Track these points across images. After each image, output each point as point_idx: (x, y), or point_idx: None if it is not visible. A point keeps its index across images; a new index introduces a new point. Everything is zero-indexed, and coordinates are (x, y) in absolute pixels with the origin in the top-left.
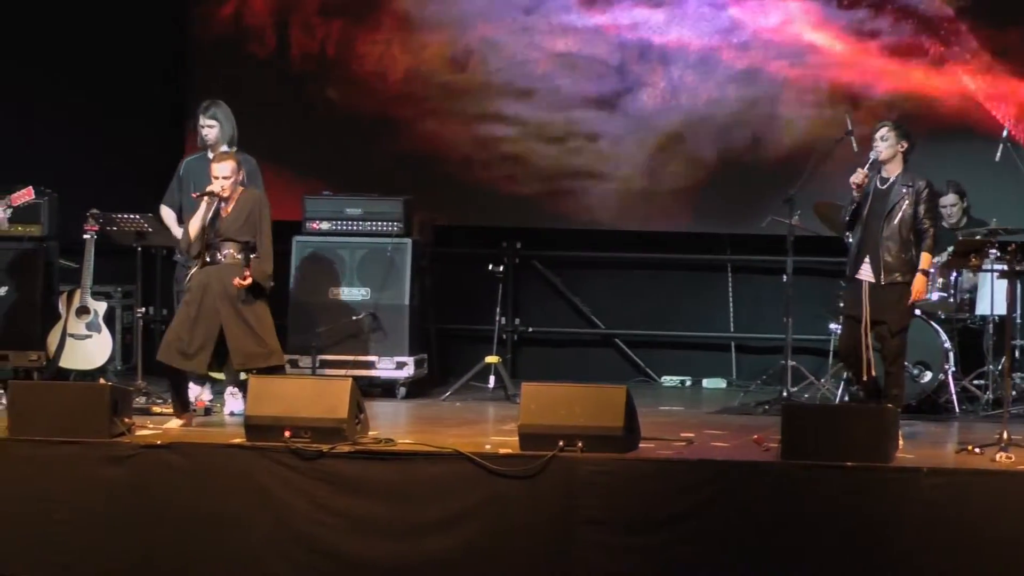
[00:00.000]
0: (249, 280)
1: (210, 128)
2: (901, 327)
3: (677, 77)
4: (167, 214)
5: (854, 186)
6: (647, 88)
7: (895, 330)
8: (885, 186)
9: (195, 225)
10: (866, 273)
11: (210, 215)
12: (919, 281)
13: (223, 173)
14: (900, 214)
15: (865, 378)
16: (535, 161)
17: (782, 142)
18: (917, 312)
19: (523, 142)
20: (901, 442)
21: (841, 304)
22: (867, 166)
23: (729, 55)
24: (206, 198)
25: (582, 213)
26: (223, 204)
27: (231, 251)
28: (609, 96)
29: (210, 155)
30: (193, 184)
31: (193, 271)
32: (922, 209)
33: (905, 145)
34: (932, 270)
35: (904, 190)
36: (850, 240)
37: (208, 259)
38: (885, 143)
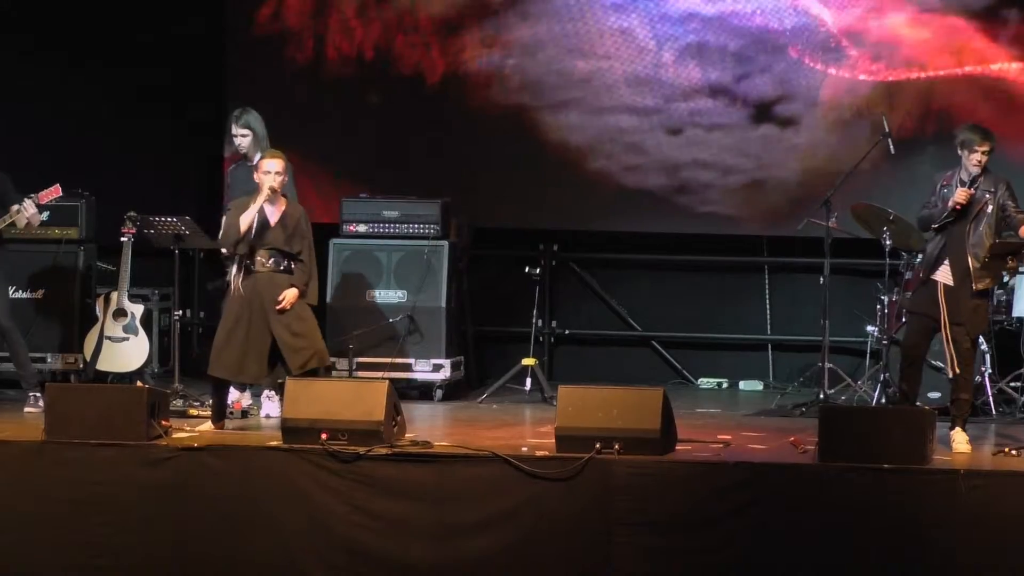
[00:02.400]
0: (292, 302)
1: (243, 137)
2: (979, 332)
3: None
4: None
5: (957, 206)
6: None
7: (973, 334)
8: None
9: (247, 219)
10: (943, 275)
11: (258, 216)
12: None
13: (275, 168)
14: (985, 219)
15: (951, 374)
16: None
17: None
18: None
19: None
20: (968, 446)
21: (909, 302)
22: (969, 184)
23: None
24: (263, 192)
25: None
26: (270, 210)
27: (275, 260)
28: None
29: (248, 163)
30: (238, 191)
31: (234, 278)
32: (1008, 204)
33: None
34: None
35: (987, 195)
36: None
37: (252, 266)
38: (987, 158)
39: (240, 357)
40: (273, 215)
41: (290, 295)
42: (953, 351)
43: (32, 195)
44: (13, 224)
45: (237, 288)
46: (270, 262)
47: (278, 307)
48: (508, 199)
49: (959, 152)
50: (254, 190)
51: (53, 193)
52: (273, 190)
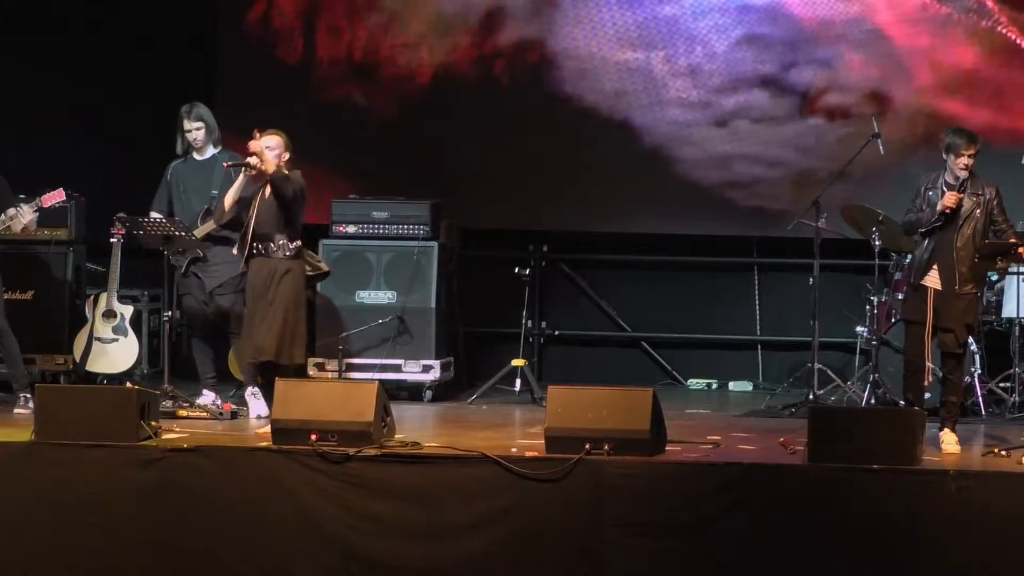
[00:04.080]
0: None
1: (197, 130)
2: (968, 337)
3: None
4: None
5: (947, 210)
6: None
7: (963, 339)
8: None
9: (231, 195)
10: (933, 280)
11: (245, 186)
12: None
13: (272, 143)
14: (973, 224)
15: (925, 384)
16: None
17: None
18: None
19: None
20: (957, 447)
21: (904, 311)
22: (959, 188)
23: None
24: (243, 170)
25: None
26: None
27: (272, 246)
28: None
29: (196, 157)
30: (183, 188)
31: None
32: (996, 214)
33: None
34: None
35: (975, 199)
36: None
37: (253, 251)
38: (972, 161)
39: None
40: (268, 191)
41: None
42: (943, 355)
43: (34, 199)
44: (8, 228)
45: (248, 272)
46: (263, 247)
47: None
48: (498, 200)
49: (944, 156)
50: (200, 186)
51: (56, 197)
52: (248, 164)
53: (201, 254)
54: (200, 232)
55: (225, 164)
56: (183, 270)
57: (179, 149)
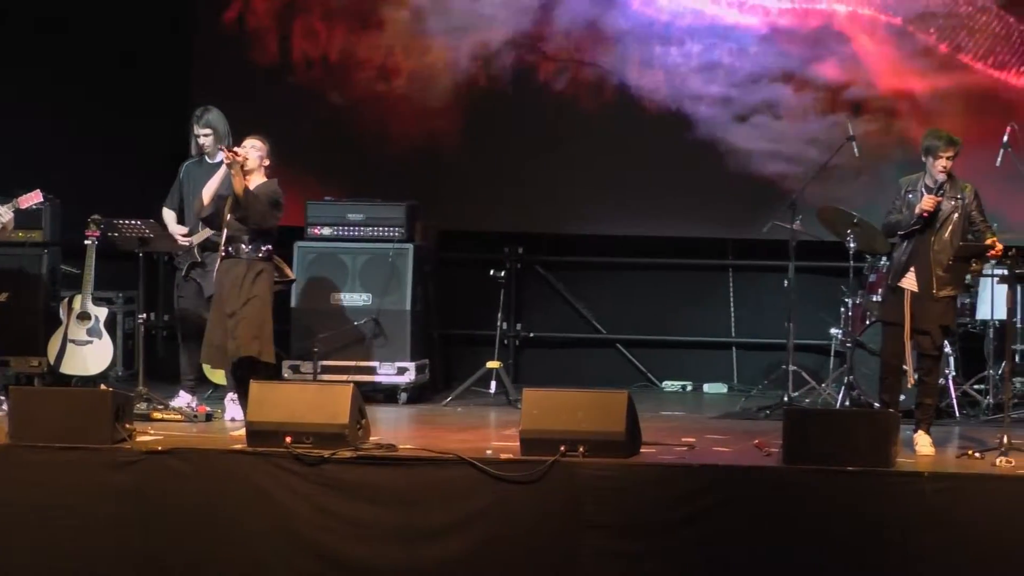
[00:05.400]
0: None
1: (206, 136)
2: (944, 339)
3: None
4: (168, 216)
5: (925, 213)
6: None
7: (939, 342)
8: None
9: (209, 189)
10: (910, 282)
11: (224, 182)
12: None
13: (255, 144)
14: (951, 226)
15: (908, 386)
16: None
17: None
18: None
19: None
20: (932, 449)
21: (881, 312)
22: (937, 191)
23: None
24: (225, 164)
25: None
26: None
27: (243, 246)
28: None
29: (208, 160)
30: (191, 189)
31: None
32: (974, 215)
33: None
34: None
35: (953, 202)
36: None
37: (223, 253)
38: (951, 164)
39: (211, 344)
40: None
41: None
42: (918, 357)
43: (11, 200)
44: None
45: (216, 273)
46: (234, 249)
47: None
48: (473, 202)
49: (923, 158)
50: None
51: (33, 198)
52: (236, 154)
53: (199, 258)
54: (198, 237)
55: (221, 148)
56: (184, 272)
57: (193, 150)
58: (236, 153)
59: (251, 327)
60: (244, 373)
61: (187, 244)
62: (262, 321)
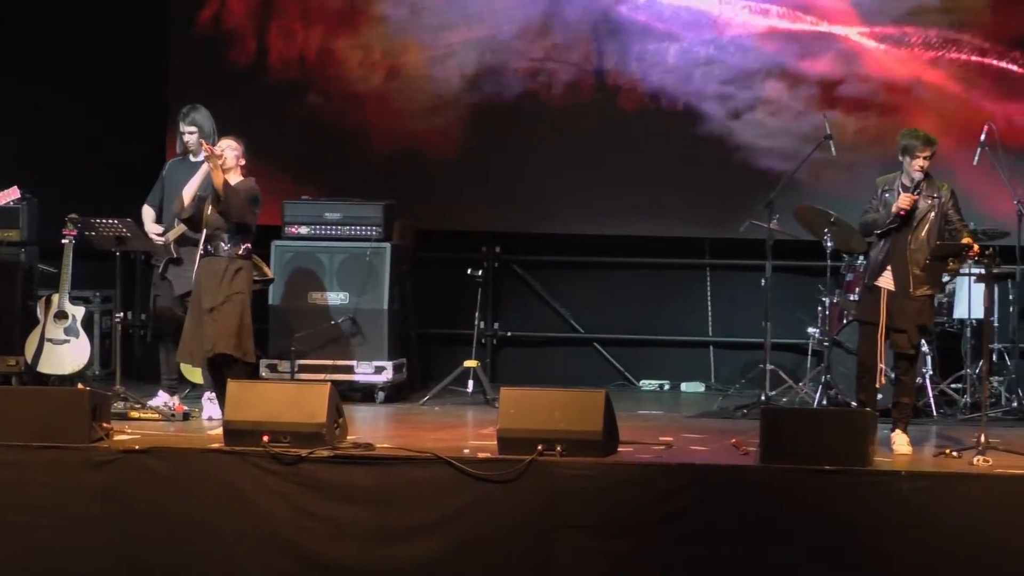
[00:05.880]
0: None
1: (191, 134)
2: (921, 337)
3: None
4: (148, 213)
5: (901, 212)
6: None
7: (915, 341)
8: None
9: (189, 190)
10: (886, 281)
11: (204, 182)
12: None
13: (232, 144)
14: (928, 225)
15: (878, 385)
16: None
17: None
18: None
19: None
20: (909, 448)
21: (858, 312)
22: (913, 190)
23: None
24: (205, 164)
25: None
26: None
27: (222, 244)
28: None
29: (192, 159)
30: (172, 186)
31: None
32: (950, 214)
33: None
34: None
35: (930, 201)
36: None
37: (202, 252)
38: (928, 163)
39: (189, 342)
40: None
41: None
42: (895, 356)
43: None
44: None
45: (195, 273)
46: (213, 247)
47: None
48: (451, 201)
49: (900, 157)
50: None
51: (10, 194)
52: (215, 154)
53: (175, 255)
54: (173, 234)
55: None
56: (161, 270)
57: (178, 148)
58: (219, 157)
59: (229, 324)
60: (222, 371)
61: (162, 242)
62: (241, 318)
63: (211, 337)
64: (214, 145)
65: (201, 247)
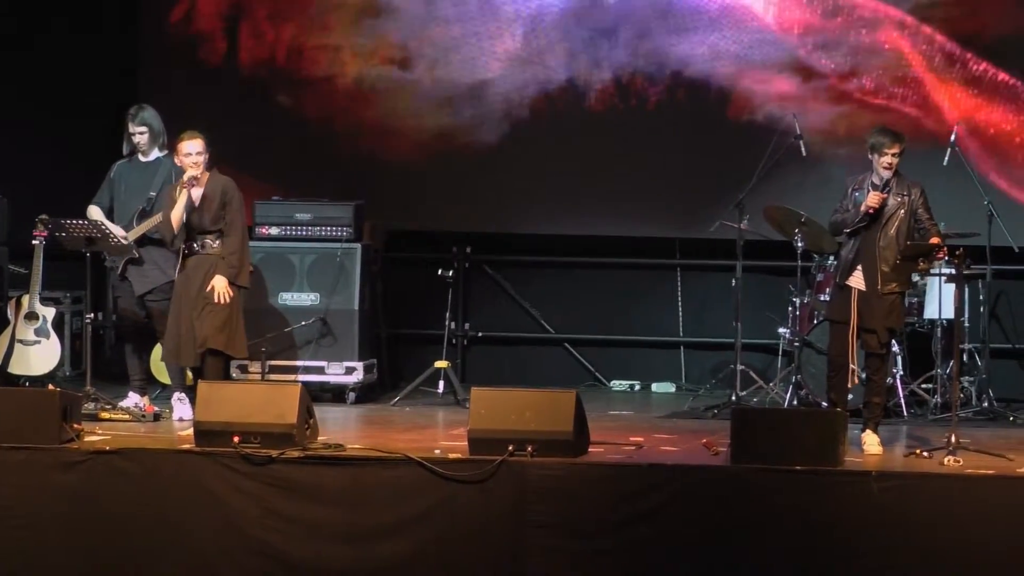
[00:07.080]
0: (222, 291)
1: (141, 135)
2: (891, 337)
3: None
4: (95, 212)
5: (870, 210)
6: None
7: (885, 340)
8: None
9: (176, 214)
10: (857, 280)
11: (189, 207)
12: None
13: (195, 150)
14: (896, 224)
15: (851, 385)
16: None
17: None
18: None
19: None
20: (879, 448)
21: (828, 311)
22: (882, 188)
23: None
24: (184, 187)
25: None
26: (196, 193)
27: (209, 241)
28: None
29: (141, 159)
30: (123, 187)
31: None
32: (920, 212)
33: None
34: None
35: (899, 199)
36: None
37: (187, 251)
38: (897, 160)
39: (176, 342)
40: (198, 198)
41: (219, 286)
42: (865, 356)
43: None
44: None
45: (179, 272)
46: (200, 245)
47: (214, 300)
48: (421, 201)
49: (869, 156)
50: (139, 187)
51: None
52: (193, 178)
53: (136, 255)
54: (134, 234)
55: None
56: (120, 271)
57: (125, 150)
58: (195, 177)
59: (219, 320)
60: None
61: (125, 243)
62: (229, 314)
63: (202, 334)
64: (165, 144)
65: (185, 246)
